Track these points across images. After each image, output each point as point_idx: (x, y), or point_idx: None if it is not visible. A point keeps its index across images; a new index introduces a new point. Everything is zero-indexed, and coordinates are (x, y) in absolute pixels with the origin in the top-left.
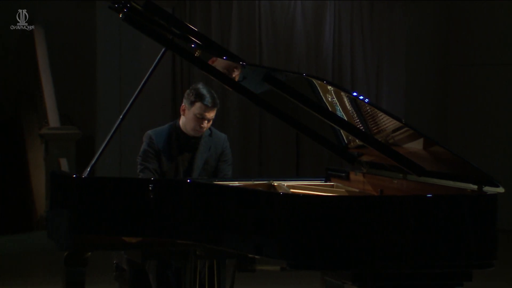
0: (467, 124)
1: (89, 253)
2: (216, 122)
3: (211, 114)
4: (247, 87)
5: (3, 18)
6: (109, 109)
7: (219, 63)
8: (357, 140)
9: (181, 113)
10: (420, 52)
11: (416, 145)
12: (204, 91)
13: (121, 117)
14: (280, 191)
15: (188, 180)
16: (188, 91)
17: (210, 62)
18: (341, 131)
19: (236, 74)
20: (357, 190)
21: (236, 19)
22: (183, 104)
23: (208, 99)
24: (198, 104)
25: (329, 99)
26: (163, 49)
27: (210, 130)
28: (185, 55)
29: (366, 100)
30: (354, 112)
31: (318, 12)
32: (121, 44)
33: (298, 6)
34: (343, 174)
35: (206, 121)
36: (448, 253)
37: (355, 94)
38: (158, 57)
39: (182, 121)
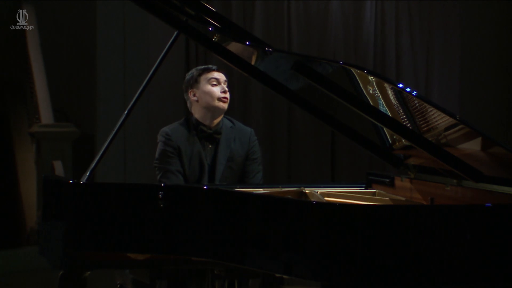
0: None
1: (88, 272)
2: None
3: (221, 76)
4: (274, 77)
5: None
6: (111, 103)
7: None
8: (403, 140)
9: (193, 102)
10: (478, 36)
11: (473, 146)
12: (197, 68)
13: (125, 112)
14: (312, 200)
15: (205, 187)
16: (185, 80)
17: None
18: (384, 129)
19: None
20: (403, 198)
21: None
22: (190, 90)
23: (207, 67)
24: (203, 76)
25: (370, 91)
26: (175, 33)
27: (232, 122)
28: (201, 39)
29: (414, 92)
30: (400, 107)
31: None
32: (125, 27)
33: None
34: (387, 180)
35: (222, 84)
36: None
37: (401, 85)
38: (170, 42)
39: (198, 111)
